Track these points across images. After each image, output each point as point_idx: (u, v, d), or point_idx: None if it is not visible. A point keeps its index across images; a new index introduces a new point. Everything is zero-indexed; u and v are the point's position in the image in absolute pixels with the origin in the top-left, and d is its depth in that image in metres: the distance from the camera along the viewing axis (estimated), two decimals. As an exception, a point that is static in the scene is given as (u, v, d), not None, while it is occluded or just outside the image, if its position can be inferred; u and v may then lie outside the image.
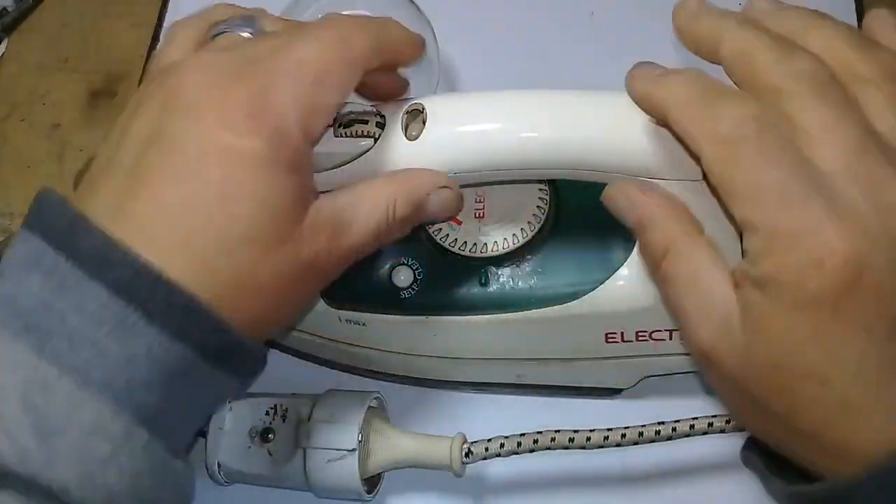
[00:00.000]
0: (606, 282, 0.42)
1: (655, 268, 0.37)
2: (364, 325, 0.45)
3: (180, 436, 0.36)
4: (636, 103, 0.37)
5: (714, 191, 0.34)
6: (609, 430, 0.41)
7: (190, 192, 0.33)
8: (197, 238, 0.33)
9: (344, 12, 0.50)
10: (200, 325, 0.33)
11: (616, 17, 0.61)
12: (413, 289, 0.44)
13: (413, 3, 0.51)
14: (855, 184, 0.31)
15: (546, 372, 0.46)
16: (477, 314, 0.44)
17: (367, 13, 0.51)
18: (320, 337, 0.46)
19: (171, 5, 0.63)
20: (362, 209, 0.37)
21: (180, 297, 0.32)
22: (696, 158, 0.34)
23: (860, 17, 0.60)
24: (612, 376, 0.46)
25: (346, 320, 0.45)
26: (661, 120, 0.36)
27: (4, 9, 0.63)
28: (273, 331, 0.40)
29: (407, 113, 0.40)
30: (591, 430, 0.41)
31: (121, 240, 0.32)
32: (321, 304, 0.45)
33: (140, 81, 0.60)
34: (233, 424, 0.44)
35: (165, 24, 0.62)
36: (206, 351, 0.33)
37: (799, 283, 0.31)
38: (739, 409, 0.36)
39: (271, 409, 0.44)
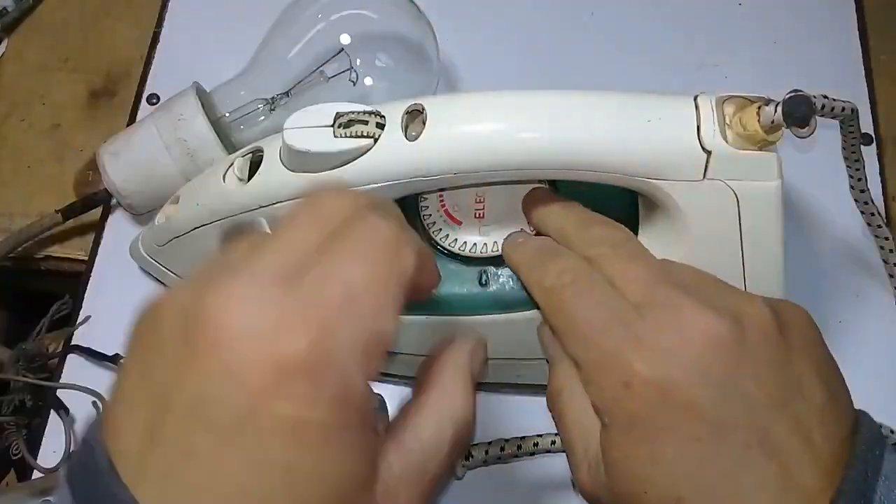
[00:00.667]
0: None
1: (551, 407, 0.38)
2: None
3: None
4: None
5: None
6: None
7: (245, 476, 0.26)
8: None
9: (343, 12, 0.50)
10: None
11: (616, 16, 0.60)
12: None
13: (413, 3, 0.51)
14: (657, 309, 0.34)
15: (545, 372, 0.46)
16: (477, 314, 0.44)
17: (370, 14, 0.51)
18: None
19: (171, 5, 0.63)
20: (428, 440, 0.32)
21: None
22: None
23: (860, 16, 0.60)
24: None
25: None
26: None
27: (4, 9, 0.63)
28: None
29: (407, 113, 0.40)
30: (591, 433, 0.41)
31: None
32: None
33: (140, 81, 0.60)
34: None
35: (165, 24, 0.62)
36: None
37: (616, 407, 0.33)
38: None
39: (271, 410, 0.44)
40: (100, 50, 0.63)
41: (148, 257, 0.49)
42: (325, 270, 0.28)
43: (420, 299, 0.33)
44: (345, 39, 0.50)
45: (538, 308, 0.38)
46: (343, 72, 0.50)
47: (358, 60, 0.50)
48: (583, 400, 0.35)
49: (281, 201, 0.42)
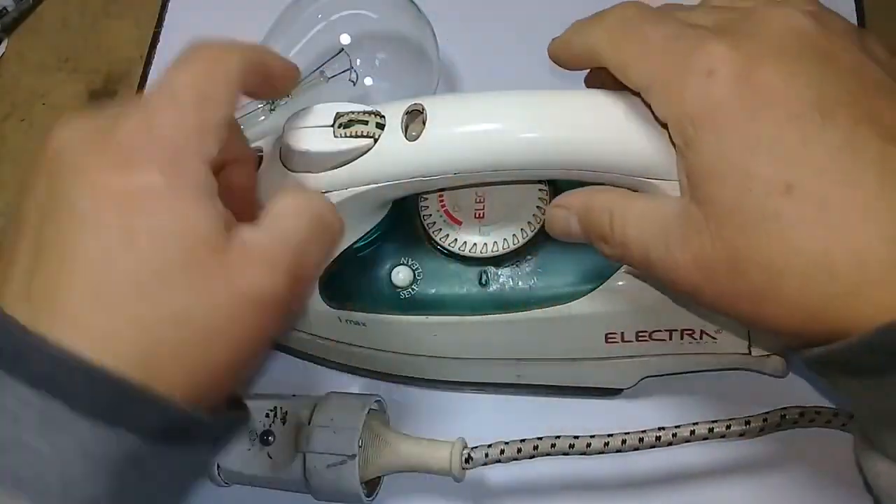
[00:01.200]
0: (606, 282, 0.42)
1: (607, 240, 0.37)
2: (364, 325, 0.45)
3: None
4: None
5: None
6: (609, 435, 0.41)
7: (92, 248, 0.30)
8: (110, 293, 0.29)
9: (343, 12, 0.50)
10: (135, 409, 0.29)
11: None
12: (413, 289, 0.44)
13: (413, 3, 0.51)
14: (735, 13, 0.34)
15: (546, 372, 0.46)
16: (477, 314, 0.44)
17: (370, 14, 0.51)
18: (320, 338, 0.46)
19: (171, 5, 0.63)
20: (289, 211, 0.34)
21: (106, 381, 0.28)
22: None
23: (860, 16, 0.60)
24: (612, 376, 0.46)
25: (346, 321, 0.45)
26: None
27: (4, 9, 0.63)
28: (234, 384, 0.34)
29: (407, 113, 0.40)
30: (591, 437, 0.41)
31: (33, 326, 0.29)
32: (321, 305, 0.45)
33: (140, 82, 0.60)
34: (232, 426, 0.44)
35: (165, 24, 0.62)
36: (150, 433, 0.29)
37: (700, 104, 0.32)
38: (740, 302, 0.33)
39: (271, 411, 0.44)
40: (100, 50, 0.63)
41: None
42: (151, 91, 0.33)
43: (278, 92, 0.40)
44: (345, 39, 0.50)
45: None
46: (343, 71, 0.50)
47: (358, 60, 0.50)
48: (644, 199, 0.36)
49: (280, 201, 0.42)
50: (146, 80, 0.60)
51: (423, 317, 0.44)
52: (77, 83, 0.62)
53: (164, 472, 0.31)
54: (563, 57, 0.40)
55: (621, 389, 0.47)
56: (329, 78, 0.50)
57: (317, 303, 0.45)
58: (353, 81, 0.50)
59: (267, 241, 0.33)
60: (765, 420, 0.42)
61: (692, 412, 0.42)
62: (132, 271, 0.30)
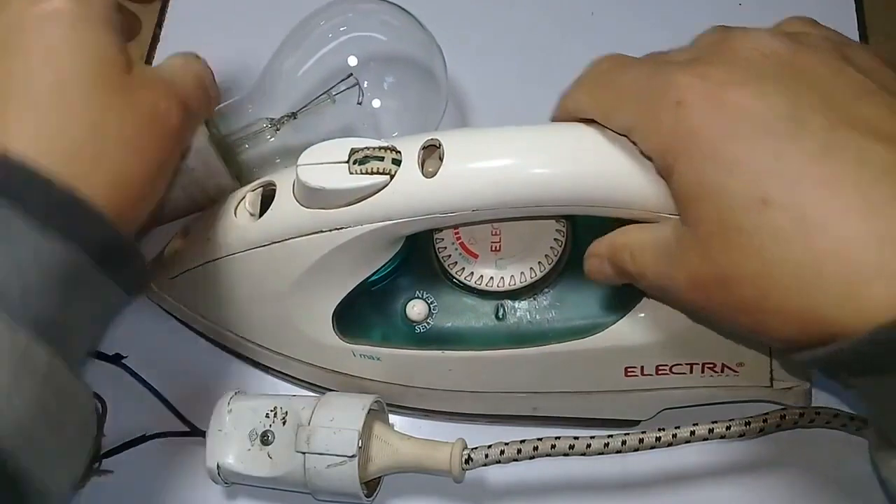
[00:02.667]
0: (626, 315, 0.42)
1: (632, 276, 0.38)
2: (378, 359, 0.45)
3: (79, 352, 0.36)
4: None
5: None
6: (609, 436, 0.41)
7: (20, 67, 0.35)
8: (37, 105, 0.35)
9: (352, 34, 0.50)
10: (79, 217, 0.34)
11: (616, 17, 0.60)
12: (428, 323, 0.44)
13: (421, 25, 0.51)
14: (698, 48, 0.36)
15: (563, 405, 0.46)
16: (493, 349, 0.44)
17: (379, 36, 0.50)
18: (334, 371, 0.46)
19: (171, 5, 0.62)
20: (177, 64, 0.42)
21: (56, 187, 0.33)
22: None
23: (860, 16, 0.60)
24: (631, 409, 0.46)
25: (360, 355, 0.45)
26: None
27: (4, 8, 0.63)
28: (144, 206, 0.39)
29: (423, 149, 0.40)
30: (591, 437, 0.41)
31: None
32: (335, 339, 0.45)
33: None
34: (232, 426, 0.44)
35: (166, 24, 0.62)
36: (91, 247, 0.34)
37: (676, 134, 0.33)
38: (738, 315, 0.33)
39: (271, 411, 0.44)
40: (100, 50, 0.63)
41: (156, 289, 0.49)
42: None
43: None
44: (352, 61, 0.50)
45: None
46: (348, 89, 0.50)
47: (366, 82, 0.50)
48: (648, 233, 0.36)
49: (294, 237, 0.41)
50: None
51: (439, 351, 0.44)
52: (77, 83, 0.61)
53: (95, 296, 0.36)
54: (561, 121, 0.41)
55: (639, 421, 0.46)
56: (336, 99, 0.50)
57: (330, 337, 0.45)
58: (360, 103, 0.50)
59: (162, 75, 0.40)
60: (765, 420, 0.42)
61: (691, 418, 0.42)
62: (54, 84, 0.35)
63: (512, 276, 0.44)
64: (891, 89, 0.33)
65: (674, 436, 0.41)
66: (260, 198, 0.44)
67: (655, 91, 0.34)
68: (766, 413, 0.42)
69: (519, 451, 0.42)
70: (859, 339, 0.29)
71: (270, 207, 0.42)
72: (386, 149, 0.40)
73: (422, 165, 0.39)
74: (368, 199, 0.39)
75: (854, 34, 0.59)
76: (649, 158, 0.36)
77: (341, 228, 0.40)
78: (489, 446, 0.42)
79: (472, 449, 0.42)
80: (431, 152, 0.40)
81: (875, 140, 0.30)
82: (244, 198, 0.44)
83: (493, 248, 0.44)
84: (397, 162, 0.40)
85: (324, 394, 0.45)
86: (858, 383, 0.32)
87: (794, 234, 0.30)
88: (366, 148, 0.40)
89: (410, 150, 0.40)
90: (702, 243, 0.33)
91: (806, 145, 0.31)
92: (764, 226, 0.31)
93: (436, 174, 0.39)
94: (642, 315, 0.42)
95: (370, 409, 0.43)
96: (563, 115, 0.40)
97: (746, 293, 0.32)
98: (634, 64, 0.37)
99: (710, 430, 0.41)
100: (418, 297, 0.44)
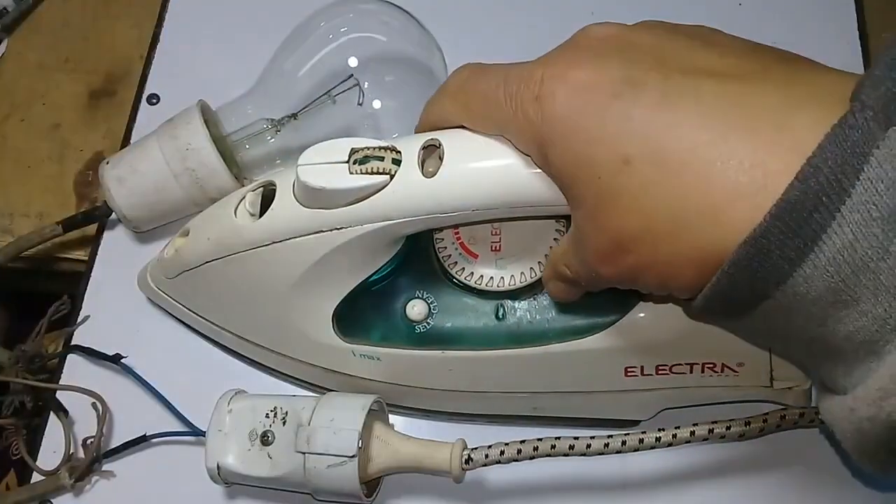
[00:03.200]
0: (626, 315, 0.42)
1: (576, 282, 0.39)
2: (378, 359, 0.45)
3: None
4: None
5: None
6: (609, 436, 0.41)
7: None
8: None
9: (352, 35, 0.50)
10: None
11: (616, 17, 0.60)
12: (428, 323, 0.44)
13: (421, 25, 0.51)
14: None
15: (563, 405, 0.46)
16: (493, 348, 0.44)
17: (379, 37, 0.50)
18: (333, 371, 0.46)
19: (171, 5, 0.62)
20: None
21: None
22: None
23: (860, 16, 0.60)
24: (631, 409, 0.46)
25: (360, 355, 0.45)
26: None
27: (4, 9, 0.63)
28: None
29: (423, 148, 0.40)
30: (591, 437, 0.41)
31: None
32: (334, 339, 0.45)
33: (140, 81, 0.60)
34: (233, 426, 0.44)
35: (165, 24, 0.62)
36: None
37: (538, 126, 0.35)
38: (644, 275, 0.34)
39: (271, 411, 0.44)
40: (100, 50, 0.63)
41: (156, 289, 0.49)
42: None
43: None
44: (353, 62, 0.50)
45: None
46: (348, 89, 0.50)
47: (366, 83, 0.50)
48: (566, 237, 0.38)
49: (294, 237, 0.41)
50: (146, 80, 0.60)
51: (439, 351, 0.44)
52: (77, 83, 0.62)
53: None
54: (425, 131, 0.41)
55: (639, 421, 0.46)
56: (336, 100, 0.50)
57: (331, 337, 0.45)
58: (360, 104, 0.50)
59: None
60: (765, 420, 0.42)
61: (691, 418, 0.42)
62: None
63: (512, 276, 0.44)
64: (725, 44, 0.35)
65: (674, 436, 0.41)
66: (260, 198, 0.44)
67: (516, 90, 0.36)
68: (766, 413, 0.42)
69: (519, 451, 0.42)
70: (728, 261, 0.30)
71: (271, 207, 0.42)
72: (386, 149, 0.40)
73: (422, 165, 0.39)
74: (368, 199, 0.39)
75: (854, 34, 0.59)
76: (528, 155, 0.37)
77: (341, 228, 0.40)
78: (489, 446, 0.42)
79: (472, 449, 0.42)
80: (431, 152, 0.40)
81: (706, 77, 0.32)
82: (244, 198, 0.44)
83: (494, 248, 0.44)
84: (397, 162, 0.40)
85: (324, 394, 0.45)
86: (748, 321, 0.32)
87: (659, 181, 0.31)
88: (366, 148, 0.40)
89: (410, 150, 0.40)
90: (592, 219, 0.34)
91: (647, 99, 0.32)
92: (632, 182, 0.32)
93: (436, 174, 0.39)
94: (642, 315, 0.42)
95: (370, 410, 0.43)
96: (426, 125, 0.41)
97: (642, 250, 0.33)
98: (492, 69, 0.38)
99: (710, 431, 0.41)
100: (418, 297, 0.44)
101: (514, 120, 0.36)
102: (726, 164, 0.30)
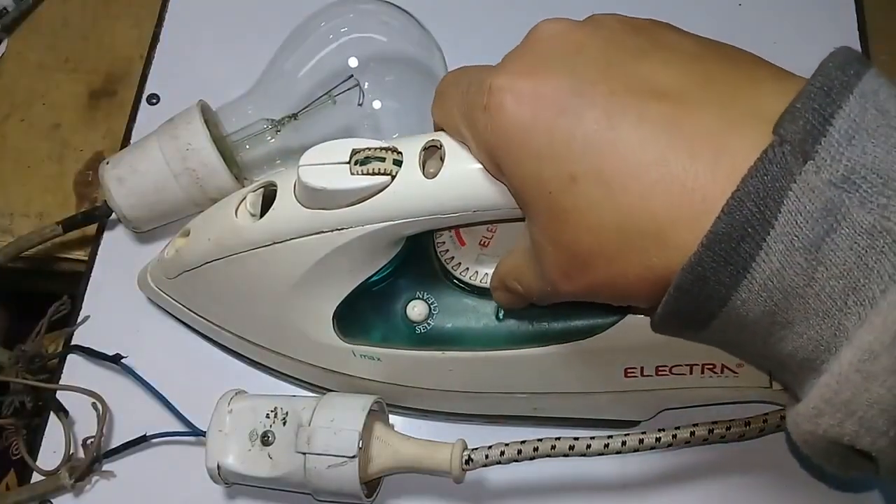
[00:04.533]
0: (626, 317, 0.42)
1: (525, 298, 0.39)
2: (378, 360, 0.45)
3: None
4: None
5: None
6: (609, 437, 0.41)
7: None
8: None
9: (352, 35, 0.50)
10: None
11: (616, 17, 0.60)
12: (428, 323, 0.44)
13: (421, 25, 0.51)
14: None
15: (563, 406, 0.46)
16: (493, 349, 0.43)
17: (379, 37, 0.50)
18: (333, 371, 0.46)
19: (171, 5, 0.62)
20: None
21: None
22: None
23: (860, 16, 0.60)
24: (631, 409, 0.46)
25: (360, 355, 0.45)
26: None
27: (4, 9, 0.62)
28: None
29: (424, 149, 0.40)
30: (591, 438, 0.41)
31: None
32: (335, 339, 0.45)
33: (140, 81, 0.60)
34: (233, 426, 0.44)
35: (165, 24, 0.62)
36: None
37: (488, 137, 0.34)
38: (601, 290, 0.35)
39: (271, 411, 0.44)
40: (100, 50, 0.63)
41: (157, 289, 0.49)
42: None
43: None
44: (353, 62, 0.50)
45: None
46: (349, 90, 0.50)
47: (366, 83, 0.50)
48: (518, 248, 0.38)
49: (295, 237, 0.41)
50: (146, 80, 0.60)
51: (440, 352, 0.44)
52: (77, 83, 0.61)
53: None
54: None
55: (639, 421, 0.46)
56: (336, 100, 0.50)
57: (331, 337, 0.45)
58: (360, 104, 0.50)
59: None
60: (765, 420, 0.42)
61: (691, 419, 0.42)
62: None
63: None
64: (671, 47, 0.34)
65: (674, 436, 0.41)
66: (261, 198, 0.44)
67: (471, 98, 0.36)
68: (766, 413, 0.42)
69: (519, 451, 0.42)
70: (672, 285, 0.30)
71: (271, 208, 0.42)
72: (387, 149, 0.40)
73: (423, 166, 0.39)
74: (369, 200, 0.39)
75: (854, 34, 0.59)
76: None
77: (342, 229, 0.40)
78: (489, 447, 0.42)
79: (473, 449, 0.42)
80: (432, 153, 0.40)
81: (650, 98, 0.32)
82: (245, 198, 0.44)
83: (485, 243, 0.44)
84: (398, 163, 0.40)
85: (324, 394, 0.45)
86: (705, 335, 0.33)
87: (605, 201, 0.31)
88: (367, 149, 0.40)
89: (411, 150, 0.40)
90: (546, 233, 0.34)
91: (592, 116, 0.32)
92: (580, 200, 0.32)
93: (437, 175, 0.39)
94: (642, 316, 0.42)
95: (370, 410, 0.43)
96: (435, 126, 0.41)
97: (596, 265, 0.33)
98: (465, 74, 0.38)
99: (710, 431, 0.41)
100: (419, 298, 0.44)
101: (469, 129, 0.36)
102: (668, 188, 0.30)
